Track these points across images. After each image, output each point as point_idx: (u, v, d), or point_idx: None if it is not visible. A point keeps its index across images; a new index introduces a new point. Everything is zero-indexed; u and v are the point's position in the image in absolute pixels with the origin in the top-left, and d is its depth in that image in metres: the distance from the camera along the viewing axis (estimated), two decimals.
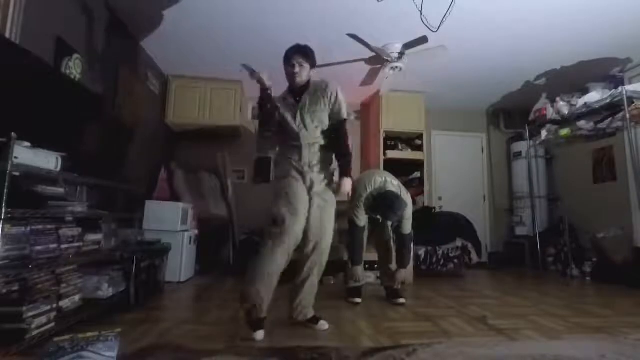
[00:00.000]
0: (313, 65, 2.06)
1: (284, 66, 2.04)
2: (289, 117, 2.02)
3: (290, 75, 2.02)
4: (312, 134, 2.03)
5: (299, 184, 1.99)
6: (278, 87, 2.04)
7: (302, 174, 2.01)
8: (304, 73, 2.01)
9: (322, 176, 2.06)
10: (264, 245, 1.91)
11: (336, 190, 2.08)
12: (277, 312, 2.30)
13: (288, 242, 1.88)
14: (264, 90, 1.94)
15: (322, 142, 2.06)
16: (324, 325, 1.99)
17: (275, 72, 2.02)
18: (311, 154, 2.03)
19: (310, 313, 2.04)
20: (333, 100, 2.04)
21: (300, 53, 2.01)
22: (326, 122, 2.06)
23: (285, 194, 1.95)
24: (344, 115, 2.08)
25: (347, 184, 2.04)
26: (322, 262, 2.06)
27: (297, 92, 2.06)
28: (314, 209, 2.00)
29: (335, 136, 2.07)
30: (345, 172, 2.06)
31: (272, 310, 2.36)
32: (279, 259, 1.86)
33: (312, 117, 2.02)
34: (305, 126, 2.02)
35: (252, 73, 1.94)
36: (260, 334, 1.79)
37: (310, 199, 2.00)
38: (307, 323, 2.01)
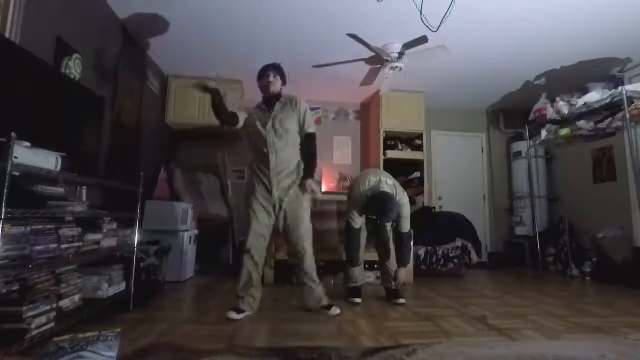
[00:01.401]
0: (284, 80, 2.40)
1: (258, 81, 2.39)
2: (259, 125, 2.30)
3: (265, 85, 2.35)
4: (280, 140, 2.28)
5: (262, 209, 2.28)
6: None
7: (270, 191, 2.26)
8: (276, 84, 2.35)
9: (291, 180, 2.30)
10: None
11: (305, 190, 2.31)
12: (277, 312, 2.31)
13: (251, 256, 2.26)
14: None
15: (290, 150, 2.31)
16: (335, 310, 2.25)
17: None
18: (279, 159, 2.27)
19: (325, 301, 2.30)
20: (302, 113, 2.35)
21: (273, 67, 2.37)
22: (294, 131, 2.33)
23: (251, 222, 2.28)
24: (312, 128, 2.38)
25: (312, 184, 2.29)
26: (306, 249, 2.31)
27: (271, 102, 2.36)
28: (288, 216, 2.29)
29: (306, 151, 2.36)
30: (307, 176, 2.31)
31: (271, 310, 2.36)
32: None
33: (281, 124, 2.29)
34: (275, 131, 2.28)
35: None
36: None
37: (280, 209, 2.28)
38: (321, 309, 2.27)
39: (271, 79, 2.34)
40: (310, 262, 2.31)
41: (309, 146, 2.36)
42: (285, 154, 2.29)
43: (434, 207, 4.94)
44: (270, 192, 2.26)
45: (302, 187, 2.28)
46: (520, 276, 4.20)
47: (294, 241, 2.29)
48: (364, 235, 2.73)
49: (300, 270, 2.32)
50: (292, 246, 2.34)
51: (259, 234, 2.27)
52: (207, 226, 3.99)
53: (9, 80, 1.60)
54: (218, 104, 2.23)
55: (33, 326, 1.46)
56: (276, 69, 2.38)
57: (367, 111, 5.28)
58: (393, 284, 2.71)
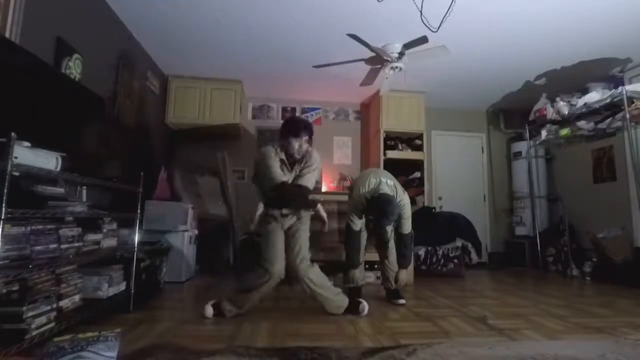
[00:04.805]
0: (311, 141, 2.32)
1: (288, 137, 2.23)
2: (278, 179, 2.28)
3: (294, 149, 2.24)
4: None
5: (276, 225, 2.30)
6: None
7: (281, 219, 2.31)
8: (304, 148, 2.26)
9: (298, 214, 2.32)
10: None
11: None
12: (278, 312, 2.31)
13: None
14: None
15: None
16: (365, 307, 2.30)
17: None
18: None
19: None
20: (316, 173, 2.35)
21: (305, 129, 2.25)
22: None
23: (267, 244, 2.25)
24: (316, 182, 2.40)
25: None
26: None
27: (293, 160, 2.29)
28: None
29: None
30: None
31: (271, 310, 2.36)
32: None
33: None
34: None
35: None
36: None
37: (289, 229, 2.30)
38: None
39: (304, 146, 2.25)
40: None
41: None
42: None
43: (434, 207, 4.93)
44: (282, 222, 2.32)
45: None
46: (520, 276, 4.20)
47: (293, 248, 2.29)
48: (364, 237, 2.72)
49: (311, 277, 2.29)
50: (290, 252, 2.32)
51: (279, 247, 2.25)
52: (207, 226, 3.99)
53: (9, 80, 1.60)
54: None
55: (33, 326, 1.45)
56: (309, 131, 2.28)
57: (367, 111, 5.28)
58: (393, 284, 2.70)
